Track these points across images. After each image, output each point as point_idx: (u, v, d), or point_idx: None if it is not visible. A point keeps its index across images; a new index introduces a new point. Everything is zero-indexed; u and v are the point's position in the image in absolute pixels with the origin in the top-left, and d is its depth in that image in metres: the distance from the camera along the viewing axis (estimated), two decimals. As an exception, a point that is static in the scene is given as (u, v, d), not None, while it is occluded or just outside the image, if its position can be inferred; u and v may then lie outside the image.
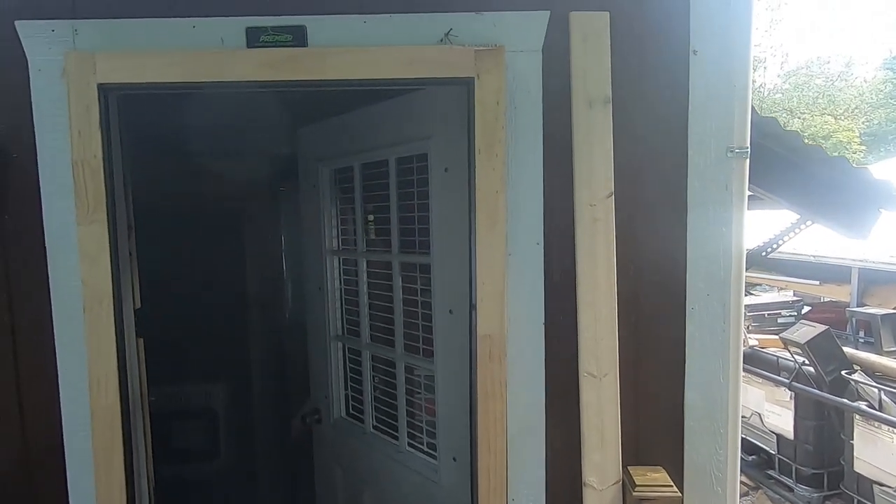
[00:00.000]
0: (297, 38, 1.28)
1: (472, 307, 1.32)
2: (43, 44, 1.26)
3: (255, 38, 1.27)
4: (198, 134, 2.36)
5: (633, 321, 1.36)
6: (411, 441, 1.82)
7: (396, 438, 1.86)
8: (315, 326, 2.19)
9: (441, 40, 1.28)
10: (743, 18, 1.33)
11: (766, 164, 1.71)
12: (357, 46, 1.27)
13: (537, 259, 1.34)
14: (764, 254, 2.53)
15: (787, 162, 1.65)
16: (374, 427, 1.97)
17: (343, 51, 1.26)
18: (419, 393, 1.83)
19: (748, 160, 1.36)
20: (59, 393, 1.33)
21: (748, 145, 1.35)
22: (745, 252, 1.39)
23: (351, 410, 2.11)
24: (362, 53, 1.26)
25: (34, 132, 1.28)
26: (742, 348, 1.40)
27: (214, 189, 2.75)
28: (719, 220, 1.35)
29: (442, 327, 1.61)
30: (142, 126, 1.67)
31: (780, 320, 5.49)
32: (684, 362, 1.37)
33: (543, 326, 1.35)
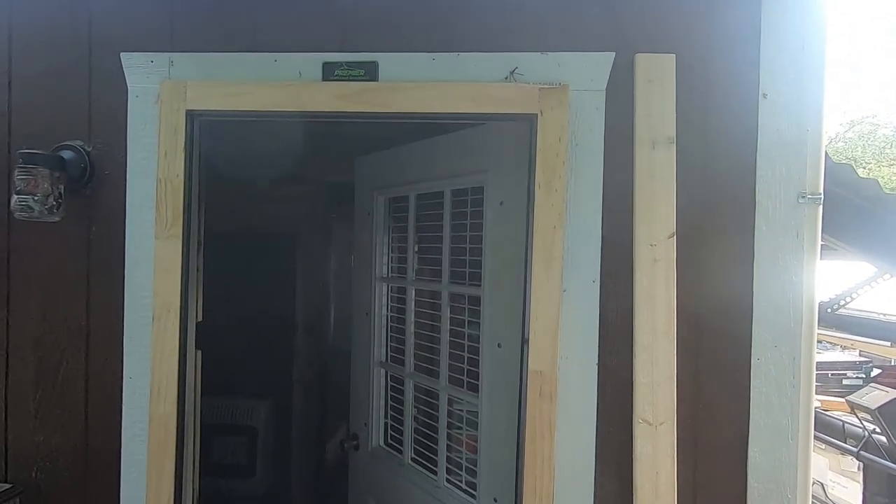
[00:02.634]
0: (370, 72, 1.35)
1: (525, 341, 1.30)
2: (142, 72, 1.39)
3: (330, 73, 1.35)
4: (260, 160, 2.50)
5: (693, 368, 1.30)
6: (450, 477, 1.78)
7: (435, 473, 1.82)
8: (359, 352, 2.21)
9: (506, 78, 1.32)
10: (817, 62, 1.30)
11: (841, 213, 1.63)
12: (425, 82, 1.33)
13: (593, 297, 1.32)
14: (830, 309, 2.37)
15: (862, 211, 1.57)
16: (413, 459, 1.94)
17: (412, 86, 1.32)
18: (461, 427, 1.80)
19: (821, 207, 1.30)
20: (122, 396, 1.40)
21: (821, 191, 1.30)
22: (816, 304, 1.31)
23: (389, 440, 2.09)
24: (430, 88, 1.31)
25: (126, 151, 1.39)
26: (813, 408, 1.30)
27: (271, 213, 2.89)
28: (789, 269, 1.29)
29: (489, 361, 1.59)
30: (212, 152, 1.79)
31: (845, 381, 5.08)
32: (749, 417, 1.29)
33: (597, 367, 1.31)
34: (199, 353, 1.58)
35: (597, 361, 1.31)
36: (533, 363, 1.28)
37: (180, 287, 1.35)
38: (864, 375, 5.31)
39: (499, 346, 1.55)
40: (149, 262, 1.36)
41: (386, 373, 2.10)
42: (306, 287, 3.12)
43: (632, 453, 1.29)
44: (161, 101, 1.35)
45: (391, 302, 2.12)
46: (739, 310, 1.30)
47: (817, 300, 1.31)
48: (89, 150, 1.42)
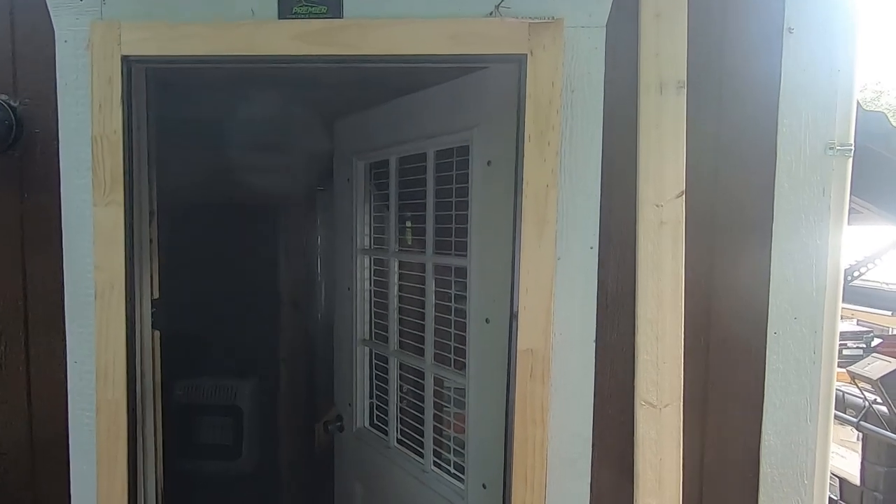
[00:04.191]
0: (333, 9, 1.16)
1: (513, 316, 1.16)
2: (70, 14, 1.20)
3: (287, 9, 1.17)
4: (234, 124, 2.31)
5: (702, 344, 1.16)
6: (437, 460, 1.67)
7: (421, 456, 1.70)
8: (342, 329, 2.07)
9: (491, 13, 1.13)
10: (850, -6, 1.12)
11: (871, 171, 1.47)
12: (398, 18, 1.14)
13: (590, 265, 1.17)
14: (850, 278, 2.23)
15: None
16: (398, 441, 1.83)
17: (382, 23, 1.14)
18: (448, 408, 1.68)
19: (851, 160, 1.14)
20: (66, 381, 1.26)
21: (851, 142, 1.14)
22: (842, 271, 1.16)
23: (375, 421, 1.97)
24: (403, 25, 1.13)
25: (57, 107, 1.22)
26: (834, 387, 1.17)
27: (250, 181, 2.71)
28: (813, 231, 1.13)
29: (476, 337, 1.45)
30: (175, 112, 1.61)
31: (845, 352, 5.02)
32: (763, 397, 1.16)
33: (594, 344, 1.17)
34: (157, 333, 1.44)
35: (595, 338, 1.17)
36: (523, 341, 1.13)
37: (125, 260, 1.19)
38: (864, 345, 5.24)
39: (487, 321, 1.40)
40: (90, 232, 1.20)
41: (370, 351, 1.97)
42: (291, 260, 2.97)
43: (633, 438, 1.16)
44: (92, 47, 1.17)
45: (374, 275, 1.97)
46: (756, 278, 1.15)
47: (843, 267, 1.16)
48: (15, 105, 1.23)
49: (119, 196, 1.18)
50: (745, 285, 1.16)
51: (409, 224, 1.86)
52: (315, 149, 2.65)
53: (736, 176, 1.15)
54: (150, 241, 1.41)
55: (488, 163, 1.40)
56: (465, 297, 1.52)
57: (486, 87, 1.37)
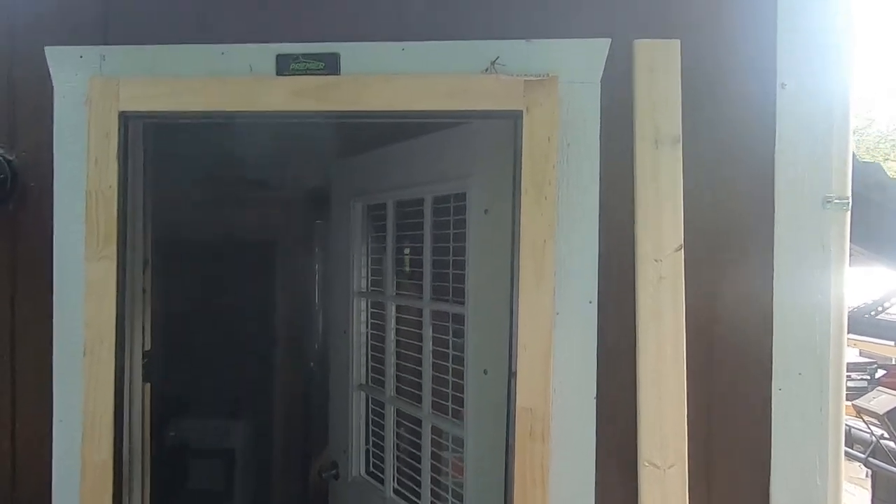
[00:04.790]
0: (330, 65, 1.17)
1: (512, 374, 1.13)
2: (70, 70, 1.21)
3: (285, 66, 1.18)
4: (233, 162, 2.32)
5: (705, 402, 1.13)
6: (435, 513, 1.61)
7: (419, 508, 1.65)
8: (338, 373, 2.04)
9: (486, 69, 1.14)
10: (842, 46, 1.14)
11: (868, 218, 1.46)
12: (394, 75, 1.15)
13: (590, 321, 1.15)
14: (876, 312, 2.19)
15: (894, 215, 1.41)
16: (395, 491, 1.77)
17: (378, 79, 1.15)
18: (446, 457, 1.63)
19: (849, 213, 1.13)
20: (51, 437, 1.22)
21: (849, 195, 1.13)
22: (845, 323, 1.14)
23: (371, 468, 1.91)
24: (399, 82, 1.14)
25: (52, 161, 1.22)
26: (843, 441, 1.14)
27: (250, 219, 2.71)
28: (814, 285, 1.12)
29: (474, 388, 1.42)
30: (171, 154, 1.61)
31: (849, 384, 4.95)
32: (770, 455, 1.12)
33: (595, 402, 1.14)
34: (148, 385, 1.40)
35: (595, 394, 1.14)
36: (522, 399, 1.10)
37: (115, 315, 1.17)
38: (868, 377, 5.17)
39: (485, 372, 1.38)
40: (81, 287, 1.18)
41: (366, 396, 1.93)
42: (288, 298, 2.94)
43: (637, 499, 1.12)
44: (90, 102, 1.17)
45: (371, 318, 1.95)
46: (758, 333, 1.13)
47: (846, 319, 1.15)
48: (11, 159, 1.23)
49: (112, 251, 1.17)
50: (748, 340, 1.14)
51: (407, 256, 1.84)
52: (313, 184, 2.67)
53: (735, 230, 1.15)
54: (144, 291, 1.40)
55: (485, 211, 1.40)
56: (463, 344, 1.50)
57: (483, 136, 1.37)
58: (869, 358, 5.46)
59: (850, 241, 1.17)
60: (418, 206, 1.69)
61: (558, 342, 1.12)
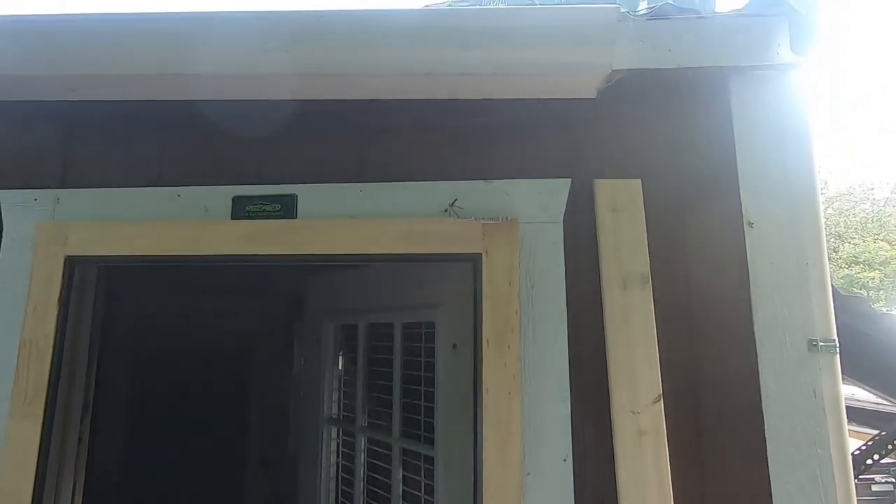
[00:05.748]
0: (286, 208, 1.15)
1: (478, 552, 0.98)
2: (22, 212, 1.18)
3: (241, 209, 1.15)
4: (200, 275, 2.26)
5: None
6: None
7: None
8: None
9: (445, 211, 1.12)
10: (806, 182, 1.12)
11: (857, 351, 1.38)
12: (350, 218, 1.12)
13: (565, 480, 1.02)
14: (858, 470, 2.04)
15: (883, 346, 1.32)
16: None
17: (333, 224, 1.11)
18: None
19: (838, 356, 1.05)
20: None
21: (835, 337, 1.06)
22: (853, 482, 1.02)
23: None
24: (355, 227, 1.11)
25: (-9, 306, 1.15)
26: None
27: (221, 329, 2.61)
28: (812, 441, 1.01)
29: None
30: (133, 279, 1.56)
31: (874, 488, 4.58)
32: None
33: (576, 584, 0.98)
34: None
35: (575, 573, 0.98)
36: (489, 585, 0.95)
37: (33, 483, 1.04)
38: (893, 479, 4.79)
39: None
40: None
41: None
42: (261, 413, 2.76)
43: None
44: (35, 247, 1.13)
45: (343, 446, 1.79)
46: (754, 495, 1.00)
47: (852, 478, 1.02)
48: (-51, 304, 1.17)
49: (39, 407, 1.07)
50: (740, 501, 1.01)
51: (378, 383, 1.72)
52: (292, 292, 2.59)
53: (717, 380, 1.06)
54: (80, 440, 1.27)
55: (454, 346, 1.32)
56: (434, 487, 1.35)
57: (449, 269, 1.33)
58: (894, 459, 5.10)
59: (844, 374, 1.07)
60: (389, 329, 1.62)
61: (529, 511, 0.99)
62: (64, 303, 1.12)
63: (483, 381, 1.02)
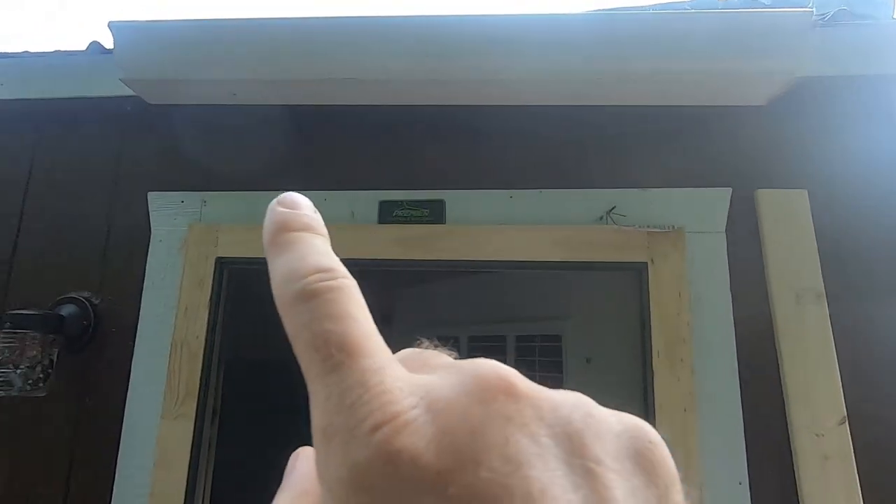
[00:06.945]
0: (435, 213, 1.13)
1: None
2: (170, 214, 1.20)
3: (388, 213, 1.15)
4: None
5: None
6: None
7: None
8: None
9: (601, 218, 1.09)
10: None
11: None
12: (501, 224, 1.10)
13: (739, 506, 0.96)
14: None
15: None
16: None
17: (486, 231, 1.09)
18: None
19: None
20: None
21: None
22: None
23: None
24: (508, 233, 1.08)
25: (139, 308, 1.16)
26: None
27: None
28: None
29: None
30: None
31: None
32: None
33: None
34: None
35: None
36: None
37: (185, 484, 1.02)
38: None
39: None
40: (151, 449, 1.06)
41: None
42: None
43: None
44: (187, 248, 1.14)
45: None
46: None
47: None
48: (97, 303, 1.18)
49: (191, 410, 1.06)
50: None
51: None
52: (376, 304, 2.57)
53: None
54: (209, 446, 1.26)
55: (587, 360, 1.27)
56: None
57: (580, 279, 1.29)
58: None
59: None
60: (499, 342, 1.58)
61: (711, 540, 0.92)
62: (215, 304, 1.12)
63: (655, 396, 0.97)
